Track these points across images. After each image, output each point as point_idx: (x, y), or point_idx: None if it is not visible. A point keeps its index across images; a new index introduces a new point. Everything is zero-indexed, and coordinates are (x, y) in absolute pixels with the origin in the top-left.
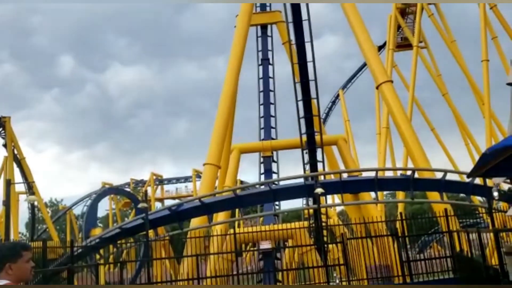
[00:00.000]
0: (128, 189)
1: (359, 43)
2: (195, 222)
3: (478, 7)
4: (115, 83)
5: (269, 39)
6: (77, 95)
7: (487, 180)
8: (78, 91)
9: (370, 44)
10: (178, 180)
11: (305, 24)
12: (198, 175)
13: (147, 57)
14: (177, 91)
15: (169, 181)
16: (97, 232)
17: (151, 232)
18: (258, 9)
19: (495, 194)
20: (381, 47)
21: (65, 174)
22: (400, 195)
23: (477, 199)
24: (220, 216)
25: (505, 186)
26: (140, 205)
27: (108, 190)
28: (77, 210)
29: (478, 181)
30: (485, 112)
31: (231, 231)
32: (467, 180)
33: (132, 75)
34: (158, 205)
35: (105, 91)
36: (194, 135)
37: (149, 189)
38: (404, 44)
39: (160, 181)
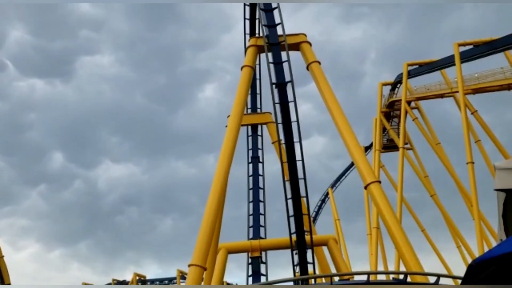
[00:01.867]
0: None
1: (346, 144)
2: None
3: (460, 112)
4: (104, 180)
5: (259, 138)
6: (65, 192)
7: None
8: (65, 187)
9: (357, 146)
10: (161, 281)
11: (294, 125)
12: (183, 276)
13: (138, 154)
14: (166, 187)
15: (152, 282)
16: None
17: None
18: (249, 111)
19: None
20: (367, 148)
21: (44, 274)
22: None
23: None
24: None
25: None
26: None
27: None
28: None
29: None
30: (474, 214)
31: None
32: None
33: (122, 172)
34: None
35: (94, 187)
36: (180, 233)
37: None
38: (390, 146)
39: (143, 282)
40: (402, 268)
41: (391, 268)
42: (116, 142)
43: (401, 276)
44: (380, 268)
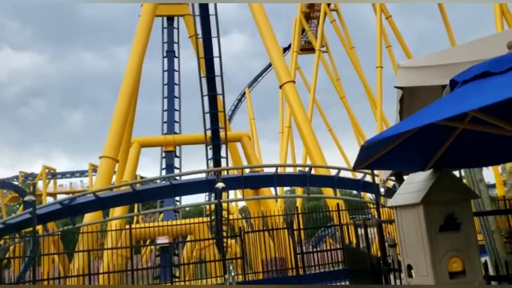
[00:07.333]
0: (16, 183)
1: (265, 43)
2: (88, 217)
3: (375, 16)
4: (5, 69)
5: (175, 31)
6: None
7: (376, 178)
8: None
9: (276, 45)
10: (73, 174)
11: (212, 19)
12: (94, 169)
13: (42, 42)
14: (74, 80)
15: (63, 175)
16: None
17: (39, 228)
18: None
19: (382, 190)
20: (286, 49)
21: None
22: (299, 191)
23: (368, 196)
24: (117, 212)
25: (392, 183)
26: (27, 198)
27: None
28: None
29: (368, 178)
30: (377, 115)
31: (127, 226)
32: (358, 177)
33: (24, 61)
34: (50, 200)
35: None
36: (91, 128)
37: (41, 183)
38: (307, 48)
39: (53, 174)
40: (309, 163)
41: (299, 163)
42: (16, 28)
43: (307, 169)
44: (289, 163)
